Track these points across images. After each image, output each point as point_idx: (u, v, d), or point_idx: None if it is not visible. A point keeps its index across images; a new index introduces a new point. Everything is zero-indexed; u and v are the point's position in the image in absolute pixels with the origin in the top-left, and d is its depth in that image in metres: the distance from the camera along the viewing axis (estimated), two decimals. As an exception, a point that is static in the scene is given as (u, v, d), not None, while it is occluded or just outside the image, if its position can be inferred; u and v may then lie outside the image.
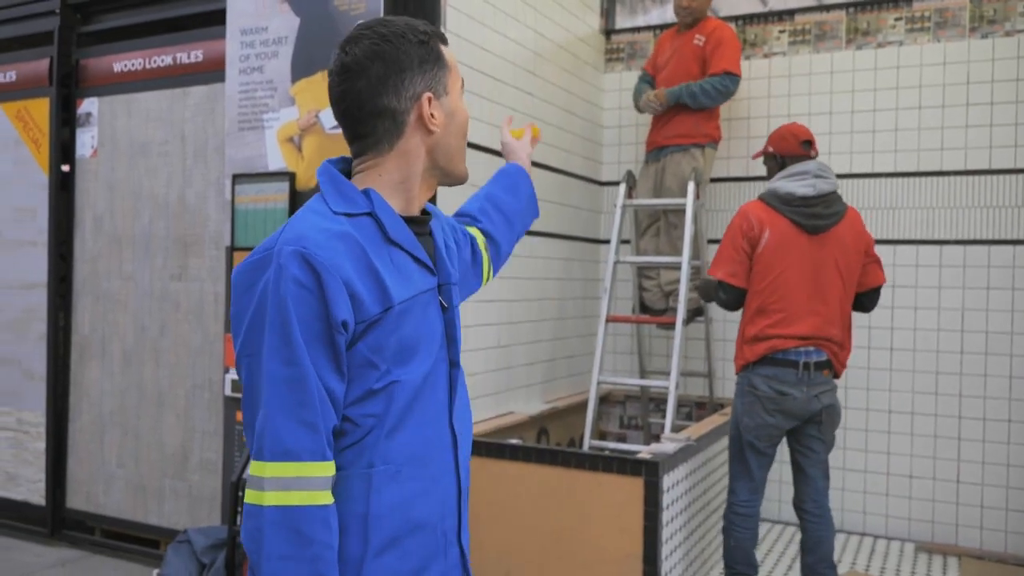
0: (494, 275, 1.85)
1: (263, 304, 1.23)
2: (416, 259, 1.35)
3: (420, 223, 1.41)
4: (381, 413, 1.28)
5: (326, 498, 1.22)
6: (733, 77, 4.17)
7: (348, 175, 1.41)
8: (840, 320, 3.09)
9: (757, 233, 3.09)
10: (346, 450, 1.27)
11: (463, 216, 1.80)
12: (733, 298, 3.16)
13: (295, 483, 1.20)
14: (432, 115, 1.36)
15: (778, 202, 3.11)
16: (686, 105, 4.21)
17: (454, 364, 1.40)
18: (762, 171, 4.51)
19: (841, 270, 3.07)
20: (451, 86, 1.40)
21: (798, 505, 3.18)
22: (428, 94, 1.36)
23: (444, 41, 1.42)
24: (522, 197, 1.87)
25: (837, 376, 3.16)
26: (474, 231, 1.75)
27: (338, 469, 1.27)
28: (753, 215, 3.12)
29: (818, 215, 3.07)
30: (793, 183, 3.10)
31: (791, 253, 3.06)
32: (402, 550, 1.30)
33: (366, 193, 1.34)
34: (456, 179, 1.46)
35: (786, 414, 3.06)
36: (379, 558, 1.27)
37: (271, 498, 1.19)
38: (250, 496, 1.21)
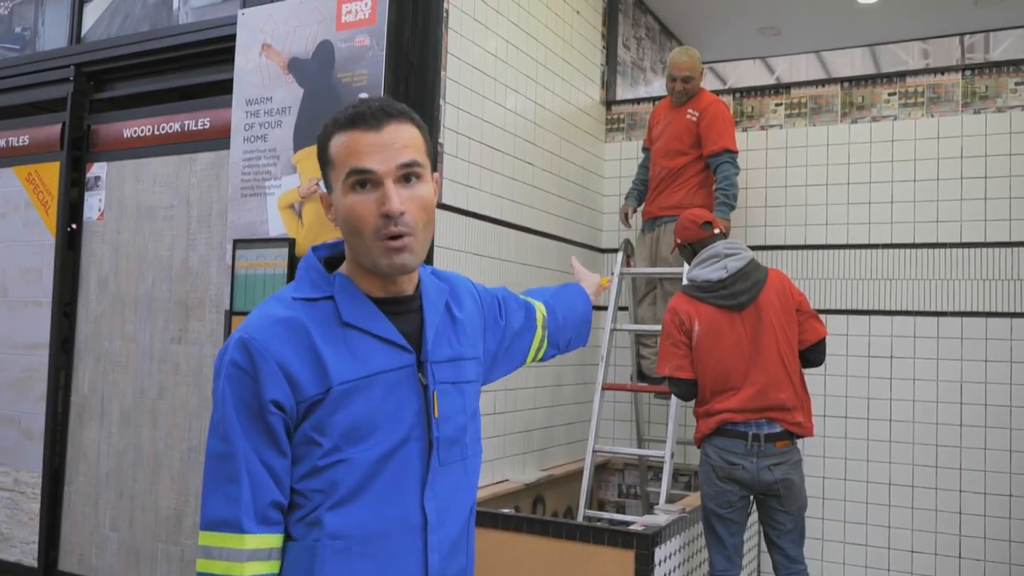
0: (544, 357, 1.88)
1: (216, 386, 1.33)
2: (382, 339, 1.35)
3: (405, 302, 1.40)
4: (327, 489, 1.29)
5: (244, 571, 1.26)
6: (732, 154, 4.24)
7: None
8: (788, 382, 3.16)
9: (689, 326, 3.22)
10: (298, 523, 1.31)
11: (532, 295, 1.86)
12: (685, 390, 3.28)
13: (216, 552, 1.27)
14: (327, 212, 1.39)
15: (698, 291, 3.25)
16: (680, 175, 4.29)
17: (433, 443, 1.37)
18: (761, 240, 4.58)
19: (777, 334, 3.16)
20: (334, 181, 1.35)
21: (775, 573, 3.24)
22: (322, 192, 1.40)
23: (348, 127, 1.33)
24: (576, 316, 1.92)
25: (805, 436, 3.20)
26: (539, 305, 1.82)
27: (292, 540, 1.31)
28: (681, 310, 3.25)
29: (738, 292, 3.18)
30: (706, 270, 3.24)
31: (724, 335, 3.17)
32: None
33: (335, 277, 1.37)
34: (378, 272, 1.35)
35: (737, 483, 3.13)
36: None
37: (201, 564, 1.28)
38: (197, 561, 1.31)
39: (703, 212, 3.50)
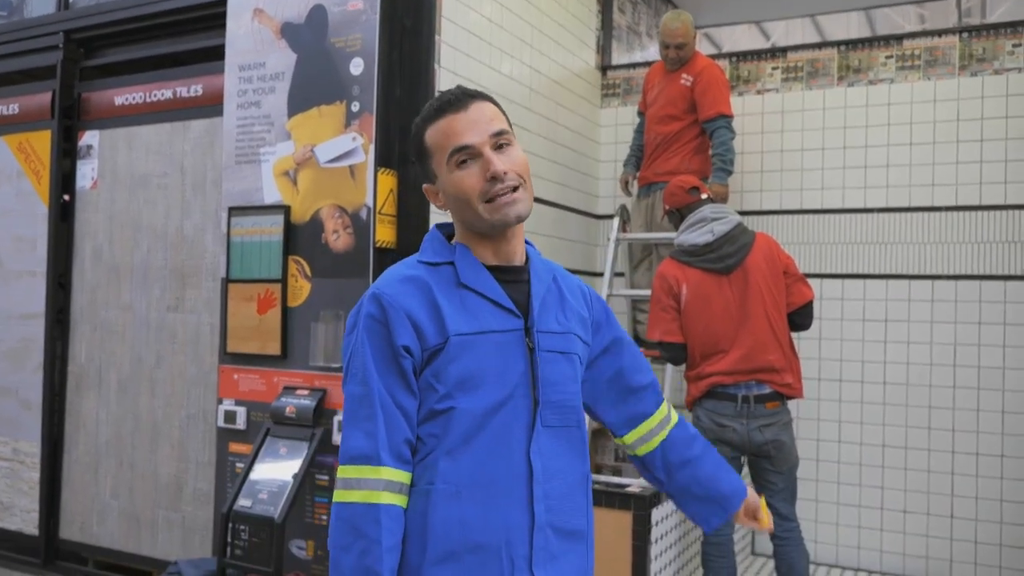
0: (636, 462, 1.79)
1: (353, 338, 1.49)
2: (493, 302, 1.49)
3: (515, 272, 1.54)
4: (440, 434, 1.44)
5: (380, 498, 1.40)
6: (728, 119, 4.21)
7: None
8: (776, 344, 3.19)
9: (677, 290, 3.25)
10: (416, 466, 1.46)
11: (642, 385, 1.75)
12: (676, 354, 3.31)
13: (355, 483, 1.41)
14: (435, 200, 1.54)
15: (685, 256, 3.28)
16: (676, 141, 4.27)
17: (538, 403, 1.47)
18: (757, 205, 4.58)
19: (764, 297, 3.19)
20: (437, 169, 1.51)
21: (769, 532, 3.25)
22: (425, 185, 1.56)
23: (438, 115, 1.49)
24: (711, 486, 1.74)
25: (795, 397, 3.24)
26: (671, 411, 1.77)
27: (411, 484, 1.45)
28: (669, 275, 3.28)
29: (725, 256, 3.21)
30: (693, 234, 3.27)
31: (712, 299, 3.20)
32: (460, 566, 1.42)
33: (455, 246, 1.54)
34: (490, 230, 1.49)
35: (728, 444, 3.17)
36: (437, 567, 1.42)
37: (339, 495, 1.43)
38: (334, 493, 1.45)
39: (690, 178, 3.51)
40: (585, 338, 1.61)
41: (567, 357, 1.54)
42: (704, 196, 3.40)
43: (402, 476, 1.43)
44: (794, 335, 3.36)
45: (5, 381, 4.56)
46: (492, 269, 1.52)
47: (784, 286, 3.24)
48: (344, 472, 1.44)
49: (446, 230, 1.60)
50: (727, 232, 3.22)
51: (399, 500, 1.42)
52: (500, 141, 1.47)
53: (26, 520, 4.43)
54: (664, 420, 1.75)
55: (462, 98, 1.49)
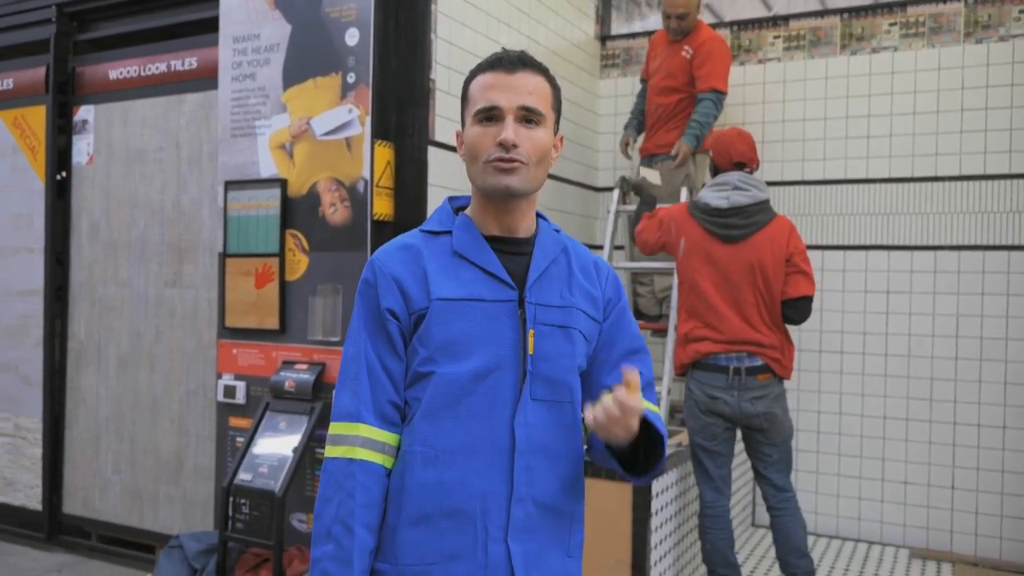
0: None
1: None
2: (486, 271, 1.48)
3: (518, 244, 1.52)
4: (422, 397, 1.45)
5: (356, 454, 1.43)
6: (719, 94, 4.15)
7: None
8: (765, 326, 3.15)
9: (675, 238, 3.27)
10: (404, 428, 1.48)
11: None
12: (640, 246, 3.47)
13: (340, 439, 1.46)
14: (459, 148, 1.54)
15: (697, 211, 3.26)
16: (676, 114, 4.22)
17: (526, 375, 1.46)
18: (757, 175, 4.54)
19: (756, 278, 3.14)
20: (467, 117, 1.51)
21: (765, 502, 3.26)
22: (457, 129, 1.57)
23: (487, 69, 1.48)
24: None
25: (785, 378, 3.20)
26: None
27: (398, 446, 1.48)
28: (675, 220, 3.31)
29: (732, 226, 3.17)
30: (712, 194, 3.24)
31: (705, 261, 3.19)
32: (435, 529, 1.43)
33: (459, 217, 1.54)
34: (485, 193, 1.48)
35: (720, 416, 3.17)
36: (412, 529, 1.43)
37: (327, 450, 1.48)
38: (325, 448, 1.50)
39: (746, 149, 3.30)
40: (593, 315, 1.55)
41: (566, 332, 1.50)
42: (747, 170, 3.30)
43: (384, 435, 1.45)
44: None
45: (5, 357, 4.56)
46: (493, 240, 1.51)
47: (782, 274, 3.15)
48: (332, 428, 1.48)
49: (458, 203, 1.60)
50: (743, 205, 3.16)
51: (379, 458, 1.44)
52: (529, 116, 1.45)
53: (29, 495, 4.45)
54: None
55: (516, 62, 1.48)
